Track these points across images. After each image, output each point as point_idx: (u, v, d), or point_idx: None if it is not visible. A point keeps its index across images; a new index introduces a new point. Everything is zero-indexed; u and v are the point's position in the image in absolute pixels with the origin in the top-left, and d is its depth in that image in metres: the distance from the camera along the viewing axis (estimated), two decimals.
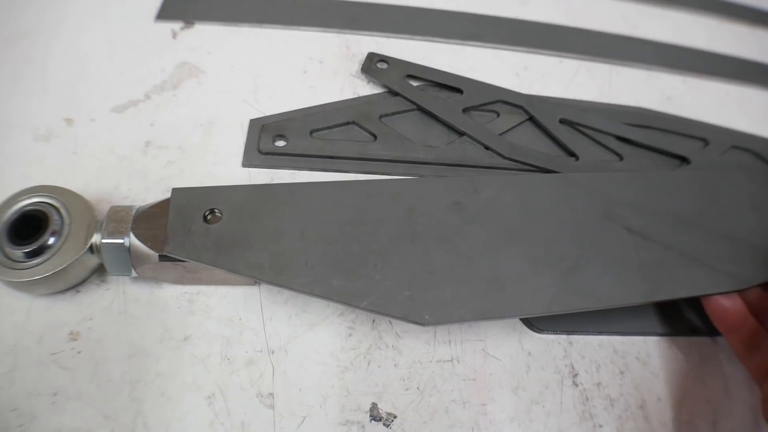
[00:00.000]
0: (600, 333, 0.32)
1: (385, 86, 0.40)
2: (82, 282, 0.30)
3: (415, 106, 0.39)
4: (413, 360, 0.30)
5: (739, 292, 0.31)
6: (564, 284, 0.29)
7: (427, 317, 0.27)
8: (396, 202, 0.30)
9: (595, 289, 0.29)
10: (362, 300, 0.27)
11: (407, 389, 0.29)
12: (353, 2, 0.45)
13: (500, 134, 0.39)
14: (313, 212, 0.29)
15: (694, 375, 0.32)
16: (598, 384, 0.31)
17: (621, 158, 0.39)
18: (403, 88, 0.39)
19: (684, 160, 0.40)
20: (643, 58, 0.47)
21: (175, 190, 0.29)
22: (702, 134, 0.43)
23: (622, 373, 0.31)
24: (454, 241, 0.29)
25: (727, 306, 0.31)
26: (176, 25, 0.41)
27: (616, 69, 0.46)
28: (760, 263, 0.32)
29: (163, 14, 0.42)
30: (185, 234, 0.27)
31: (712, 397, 0.31)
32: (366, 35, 0.44)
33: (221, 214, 0.28)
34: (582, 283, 0.29)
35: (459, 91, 0.40)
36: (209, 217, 0.28)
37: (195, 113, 0.37)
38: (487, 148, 0.38)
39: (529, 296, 0.28)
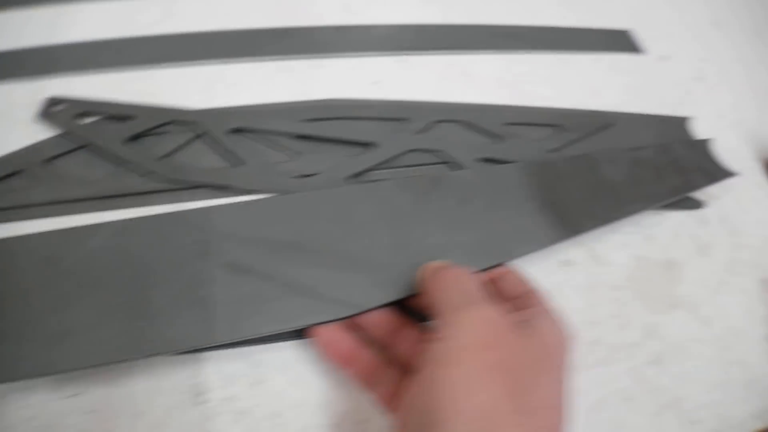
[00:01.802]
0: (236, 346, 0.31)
1: (60, 129, 0.40)
2: None
3: (83, 144, 0.39)
4: None
5: (356, 316, 0.29)
6: (130, 331, 0.27)
7: None
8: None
9: (164, 334, 0.27)
10: None
11: None
12: (45, 47, 0.45)
13: (164, 156, 0.38)
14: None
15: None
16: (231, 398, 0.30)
17: (300, 154, 0.39)
18: (71, 128, 0.39)
19: (370, 145, 0.39)
20: (355, 46, 0.46)
21: None
22: (403, 114, 0.42)
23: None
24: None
25: (333, 339, 0.29)
26: None
27: (317, 63, 0.45)
28: (381, 283, 0.30)
29: None
30: None
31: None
32: (59, 78, 0.43)
33: None
34: (150, 328, 0.28)
35: (132, 118, 0.40)
36: None
37: None
38: (150, 172, 0.37)
39: (95, 347, 0.27)
